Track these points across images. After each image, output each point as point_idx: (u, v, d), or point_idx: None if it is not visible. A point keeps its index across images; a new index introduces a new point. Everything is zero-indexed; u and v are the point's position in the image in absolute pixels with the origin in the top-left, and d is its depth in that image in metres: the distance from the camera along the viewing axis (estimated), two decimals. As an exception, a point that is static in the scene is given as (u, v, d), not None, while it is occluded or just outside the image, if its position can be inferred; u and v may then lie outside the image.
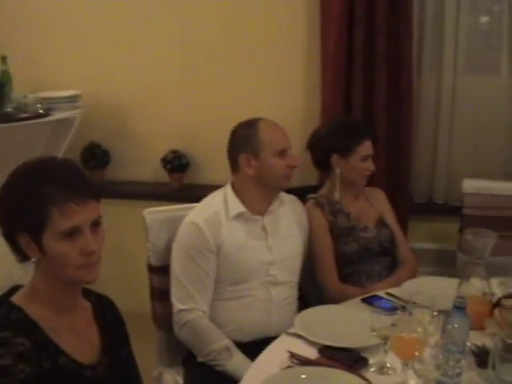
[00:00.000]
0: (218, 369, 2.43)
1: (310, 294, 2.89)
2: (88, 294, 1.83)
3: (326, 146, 3.00)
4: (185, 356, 2.63)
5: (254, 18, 3.85)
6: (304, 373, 1.91)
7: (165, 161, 3.99)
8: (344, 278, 2.88)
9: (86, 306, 1.82)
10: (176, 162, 3.98)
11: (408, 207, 3.68)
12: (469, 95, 3.73)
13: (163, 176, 4.07)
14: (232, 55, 3.92)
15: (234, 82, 3.96)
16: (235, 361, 2.42)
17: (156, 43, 4.02)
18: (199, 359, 2.49)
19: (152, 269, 2.73)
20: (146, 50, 4.04)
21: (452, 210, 3.74)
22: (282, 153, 2.60)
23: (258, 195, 2.63)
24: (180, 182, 4.03)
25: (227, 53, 3.92)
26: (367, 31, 3.55)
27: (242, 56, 3.91)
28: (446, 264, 3.55)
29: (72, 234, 1.62)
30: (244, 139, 2.62)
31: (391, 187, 3.54)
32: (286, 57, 3.86)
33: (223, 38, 3.92)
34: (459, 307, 1.84)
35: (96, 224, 1.68)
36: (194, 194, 3.72)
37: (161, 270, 2.68)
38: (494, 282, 2.36)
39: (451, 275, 2.91)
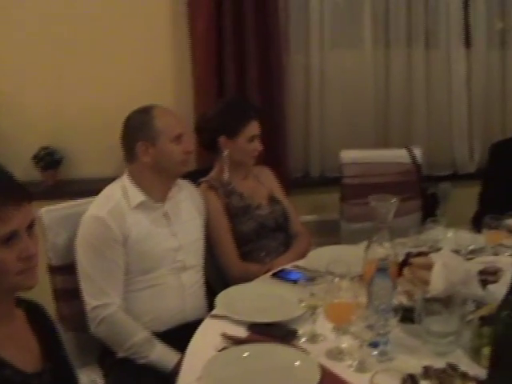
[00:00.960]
0: (141, 361, 2.42)
1: (212, 277, 2.92)
2: (18, 301, 1.77)
3: (212, 129, 3.03)
4: (100, 354, 2.58)
5: (119, 4, 3.76)
6: (245, 351, 1.93)
7: (36, 158, 3.86)
8: (244, 256, 2.94)
9: (19, 313, 1.76)
10: (49, 159, 3.85)
11: (287, 182, 3.78)
12: (336, 70, 3.90)
13: (34, 174, 3.92)
14: (97, 43, 3.79)
15: (101, 71, 3.84)
16: (158, 351, 2.42)
17: (16, 35, 3.82)
18: (120, 354, 2.45)
19: (53, 269, 2.64)
20: (5, 42, 3.84)
21: (328, 181, 3.90)
22: (178, 138, 2.60)
23: (157, 182, 2.62)
24: (54, 178, 3.91)
25: (91, 41, 3.79)
26: (236, 13, 3.61)
27: (107, 43, 3.80)
28: (328, 233, 3.69)
29: (10, 239, 1.56)
30: (139, 127, 2.59)
31: (270, 164, 3.63)
32: (153, 43, 3.80)
33: (86, 26, 3.78)
34: (383, 269, 1.94)
35: (31, 226, 1.63)
36: (71, 189, 3.67)
37: (63, 270, 2.61)
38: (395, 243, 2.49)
39: (336, 243, 3.05)
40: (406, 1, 3.95)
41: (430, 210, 3.55)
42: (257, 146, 3.02)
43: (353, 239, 2.81)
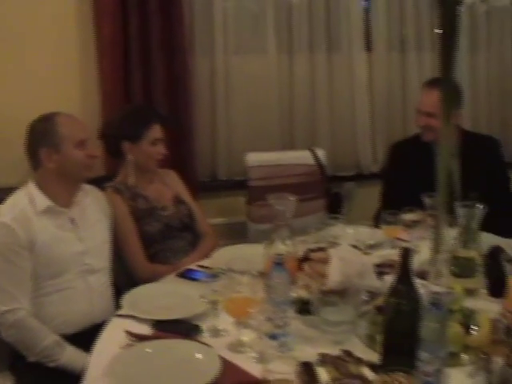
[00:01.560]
0: (52, 365, 2.43)
1: (121, 279, 2.95)
2: None
3: (116, 135, 3.07)
4: (11, 359, 2.58)
5: (22, 12, 3.69)
6: (148, 347, 1.98)
7: None
8: (151, 258, 2.99)
9: None
10: None
11: (195, 186, 3.83)
12: (241, 75, 3.98)
13: None
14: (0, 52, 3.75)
15: (3, 80, 3.80)
16: (68, 354, 2.44)
17: None
18: (31, 359, 2.46)
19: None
20: None
21: (235, 184, 3.97)
22: (82, 144, 2.63)
23: (62, 188, 2.64)
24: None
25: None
26: (141, 18, 3.63)
27: (11, 52, 3.73)
28: (237, 235, 3.76)
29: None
30: (42, 134, 2.61)
31: (177, 168, 3.68)
32: (58, 50, 3.74)
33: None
34: (278, 263, 2.01)
35: None
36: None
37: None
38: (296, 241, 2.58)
39: (244, 245, 3.12)
40: (308, 6, 4.07)
41: (334, 209, 3.66)
42: (160, 149, 3.07)
43: (260, 240, 2.87)
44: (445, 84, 2.18)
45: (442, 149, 2.17)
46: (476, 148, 3.40)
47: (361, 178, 4.27)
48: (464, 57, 4.34)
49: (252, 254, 2.39)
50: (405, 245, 1.87)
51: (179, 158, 3.78)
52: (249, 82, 4.02)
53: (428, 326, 1.73)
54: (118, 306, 2.43)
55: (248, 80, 4.02)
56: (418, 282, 1.99)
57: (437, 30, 2.10)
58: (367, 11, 4.24)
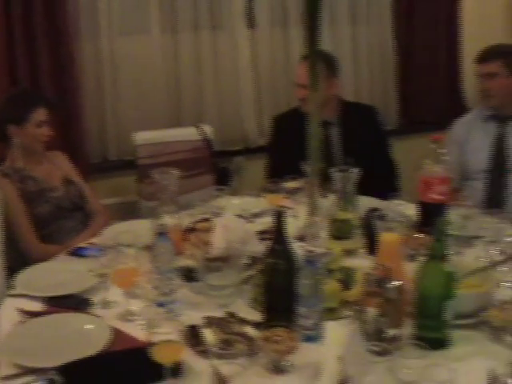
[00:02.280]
0: None
1: (15, 262, 2.96)
2: None
3: (1, 119, 3.08)
4: None
5: None
6: (40, 322, 2.04)
7: None
8: (44, 238, 3.05)
9: None
10: None
11: (85, 167, 3.86)
12: (127, 56, 4.02)
13: None
14: None
15: None
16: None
17: None
18: None
19: None
20: None
21: (126, 164, 4.02)
22: None
23: None
24: None
25: None
26: (24, 6, 3.63)
27: None
28: (130, 214, 3.80)
29: None
30: None
31: (68, 151, 3.69)
32: None
33: None
34: (161, 233, 2.11)
35: None
36: None
37: None
38: (183, 214, 2.68)
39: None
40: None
41: (223, 184, 3.75)
42: (45, 131, 3.11)
43: (152, 217, 2.96)
44: (310, 56, 2.30)
45: (312, 117, 2.29)
46: (356, 117, 3.58)
47: (249, 151, 4.39)
48: (344, 29, 4.51)
49: (139, 229, 2.47)
50: (276, 209, 1.97)
51: (69, 140, 3.81)
52: (134, 63, 4.08)
53: (304, 283, 1.86)
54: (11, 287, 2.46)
55: (133, 61, 4.07)
56: (297, 244, 2.13)
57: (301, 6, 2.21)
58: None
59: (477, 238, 2.54)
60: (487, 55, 3.46)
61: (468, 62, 4.65)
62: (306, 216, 2.46)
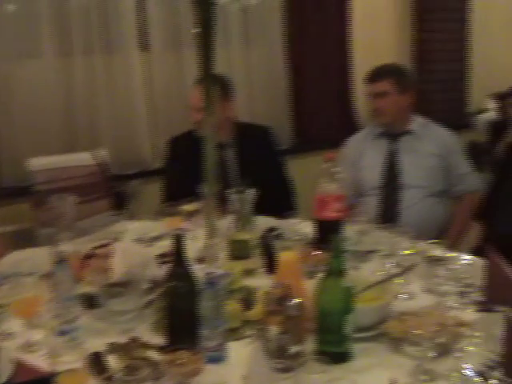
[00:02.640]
0: None
1: None
2: None
3: None
4: None
5: None
6: None
7: None
8: None
9: None
10: None
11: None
12: (20, 81, 3.95)
13: None
14: None
15: None
16: None
17: None
18: None
19: None
20: None
21: (21, 190, 3.93)
22: None
23: None
24: None
25: None
26: None
27: None
28: (27, 242, 3.71)
29: None
30: None
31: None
32: None
33: None
34: (60, 260, 2.08)
35: None
36: None
37: None
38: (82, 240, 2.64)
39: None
40: (83, 8, 4.11)
41: (120, 208, 3.73)
42: None
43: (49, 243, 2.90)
44: (204, 79, 2.32)
45: (207, 140, 2.32)
46: (250, 138, 3.62)
47: (145, 175, 4.38)
48: (237, 51, 4.57)
49: (38, 257, 2.42)
50: (175, 232, 1.98)
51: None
52: (28, 87, 4.01)
53: (206, 305, 1.88)
54: None
55: (27, 85, 4.00)
56: (197, 266, 2.14)
57: (194, 30, 2.24)
58: (142, 9, 4.32)
59: (373, 252, 2.62)
60: (377, 75, 3.59)
61: (359, 81, 4.82)
62: (204, 238, 2.48)
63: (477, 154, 4.52)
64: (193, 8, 2.20)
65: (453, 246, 3.04)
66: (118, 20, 4.23)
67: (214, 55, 2.25)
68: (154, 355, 1.93)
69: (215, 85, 2.42)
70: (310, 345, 1.90)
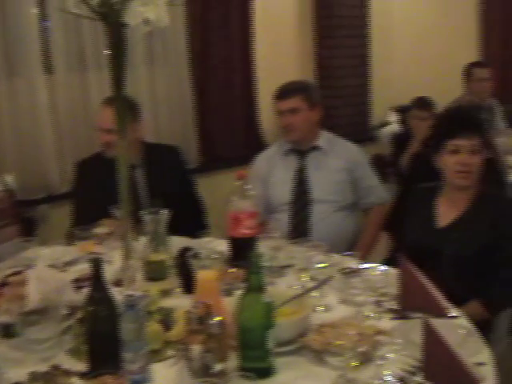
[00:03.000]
0: None
1: None
2: None
3: None
4: None
5: None
6: None
7: None
8: None
9: None
10: None
11: None
12: None
13: None
14: None
15: None
16: None
17: None
18: None
19: None
20: None
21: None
22: None
23: None
24: None
25: None
26: None
27: None
28: None
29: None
30: None
31: None
32: None
33: None
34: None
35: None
36: None
37: None
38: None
39: None
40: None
41: (29, 234, 3.64)
42: None
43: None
44: (117, 100, 2.31)
45: (121, 162, 2.30)
46: (159, 158, 3.60)
47: (52, 199, 4.29)
48: (141, 71, 4.56)
49: None
50: (93, 256, 1.96)
51: None
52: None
53: (127, 328, 1.86)
54: None
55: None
56: (114, 289, 2.12)
57: (106, 51, 2.23)
58: (45, 33, 4.26)
59: (288, 267, 2.66)
60: (287, 92, 3.64)
61: (263, 98, 4.89)
62: (120, 260, 2.45)
63: (382, 166, 4.66)
64: (104, 30, 2.19)
65: (364, 258, 3.11)
66: (20, 43, 4.12)
67: (126, 76, 2.24)
68: (77, 382, 1.90)
69: (126, 106, 2.41)
70: (233, 362, 1.91)
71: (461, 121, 2.91)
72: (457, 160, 2.81)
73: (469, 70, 5.68)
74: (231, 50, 4.91)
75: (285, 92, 3.66)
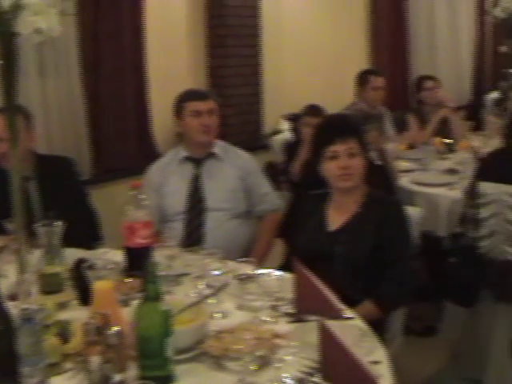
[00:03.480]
0: None
1: None
2: None
3: None
4: None
5: None
6: None
7: None
8: None
9: None
10: None
11: None
12: None
13: None
14: None
15: None
16: None
17: None
18: None
19: None
20: None
21: None
22: None
23: None
24: None
25: None
26: None
27: None
28: None
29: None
30: None
31: None
32: None
33: None
34: None
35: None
36: None
37: None
38: None
39: None
40: None
41: None
42: None
43: None
44: (8, 110, 2.27)
45: (13, 173, 2.26)
46: (52, 169, 3.54)
47: None
48: (32, 81, 4.45)
49: None
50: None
51: None
52: None
53: (23, 342, 1.83)
54: None
55: None
56: (10, 304, 2.08)
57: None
58: None
59: (184, 275, 2.67)
60: (204, 93, 3.79)
61: (156, 108, 4.89)
62: (15, 274, 2.41)
63: (274, 173, 4.74)
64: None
65: (259, 264, 3.17)
66: None
67: (17, 86, 2.21)
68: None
69: (18, 115, 2.37)
70: (133, 371, 1.91)
71: (336, 127, 3.03)
72: (337, 164, 2.91)
73: (364, 78, 5.78)
74: (123, 59, 4.87)
75: (202, 93, 3.79)
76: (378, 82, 5.78)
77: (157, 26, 5.05)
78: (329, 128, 3.09)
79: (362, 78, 5.84)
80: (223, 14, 5.52)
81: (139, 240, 2.71)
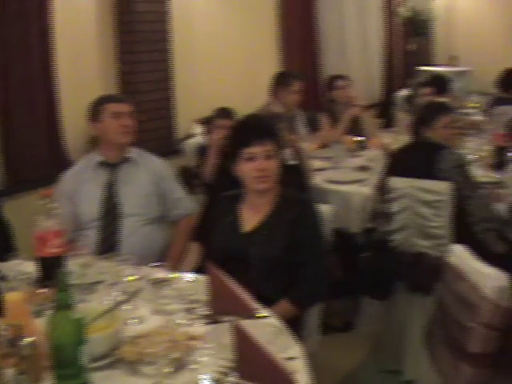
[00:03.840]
0: None
1: None
2: None
3: None
4: None
5: None
6: None
7: None
8: None
9: None
10: None
11: None
12: None
13: None
14: None
15: None
16: None
17: None
18: None
19: None
20: None
21: None
22: None
23: None
24: None
25: None
26: None
27: None
28: None
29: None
30: None
31: None
32: None
33: None
34: None
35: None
36: None
37: None
38: None
39: None
40: None
41: None
42: None
43: None
44: None
45: None
46: None
47: None
48: None
49: None
50: None
51: None
52: None
53: None
54: None
55: None
56: None
57: None
58: None
59: (98, 283, 2.66)
60: (122, 97, 3.73)
61: (66, 116, 4.82)
62: None
63: (188, 177, 4.74)
64: None
65: (175, 268, 3.18)
66: None
67: None
68: None
69: None
70: (48, 382, 1.90)
71: (253, 129, 3.04)
72: (253, 166, 2.93)
73: (285, 80, 5.75)
74: (31, 67, 4.77)
75: (120, 96, 3.92)
76: (300, 86, 5.80)
77: (65, 31, 4.97)
78: (246, 129, 3.10)
79: (283, 80, 5.82)
80: (131, 20, 5.48)
81: (51, 249, 2.68)
